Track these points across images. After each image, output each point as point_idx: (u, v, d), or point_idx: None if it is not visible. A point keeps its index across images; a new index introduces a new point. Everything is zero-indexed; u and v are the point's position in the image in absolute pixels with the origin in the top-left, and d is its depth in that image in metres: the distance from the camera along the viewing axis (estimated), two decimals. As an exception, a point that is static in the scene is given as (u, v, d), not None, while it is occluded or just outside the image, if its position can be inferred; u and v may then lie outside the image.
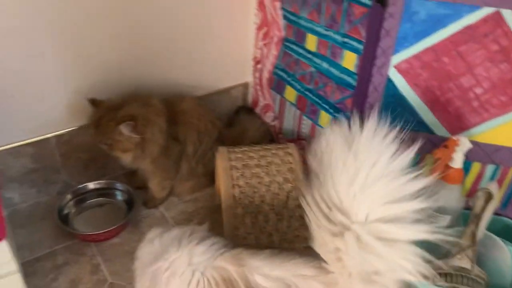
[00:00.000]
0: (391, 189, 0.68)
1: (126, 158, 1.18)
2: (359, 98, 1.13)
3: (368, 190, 0.69)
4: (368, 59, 1.08)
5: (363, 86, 1.11)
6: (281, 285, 0.73)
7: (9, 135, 1.18)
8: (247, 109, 1.62)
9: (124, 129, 1.10)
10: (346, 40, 1.12)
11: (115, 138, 1.11)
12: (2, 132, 1.16)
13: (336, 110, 1.23)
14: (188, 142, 1.28)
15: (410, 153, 0.71)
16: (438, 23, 0.98)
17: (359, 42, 1.09)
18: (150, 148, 1.17)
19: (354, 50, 1.11)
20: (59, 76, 1.20)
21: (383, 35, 1.03)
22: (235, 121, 1.55)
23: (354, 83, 1.14)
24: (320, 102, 1.28)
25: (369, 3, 1.03)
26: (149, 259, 0.79)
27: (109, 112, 1.12)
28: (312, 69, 1.27)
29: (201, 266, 0.76)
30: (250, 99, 1.63)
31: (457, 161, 0.97)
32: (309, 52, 1.26)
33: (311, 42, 1.24)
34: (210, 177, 1.33)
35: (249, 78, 1.59)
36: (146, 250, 0.82)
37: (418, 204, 0.68)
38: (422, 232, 0.67)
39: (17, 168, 1.24)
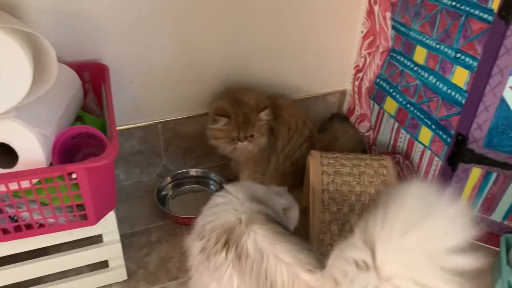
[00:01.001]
0: (429, 264, 0.61)
1: (263, 141, 1.26)
2: (467, 117, 1.08)
3: (410, 253, 0.62)
4: (482, 77, 1.02)
5: (472, 104, 1.06)
6: (258, 255, 0.75)
7: (124, 117, 1.30)
8: (341, 117, 1.61)
9: (264, 115, 1.23)
10: (459, 55, 1.08)
11: (258, 125, 1.23)
12: (120, 113, 1.27)
13: (439, 127, 1.18)
14: (278, 136, 1.31)
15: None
16: None
17: (474, 58, 1.04)
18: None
19: (466, 66, 1.06)
20: (174, 71, 1.30)
21: (502, 53, 0.97)
22: (328, 128, 1.55)
23: (462, 100, 1.09)
24: (422, 117, 1.24)
25: (490, 19, 0.97)
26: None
27: (241, 105, 1.22)
28: (418, 82, 1.23)
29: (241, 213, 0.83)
30: (345, 107, 1.62)
31: None
32: (416, 64, 1.23)
33: (420, 55, 1.21)
34: (298, 178, 1.35)
35: (347, 85, 1.58)
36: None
37: None
38: None
39: (126, 148, 1.36)
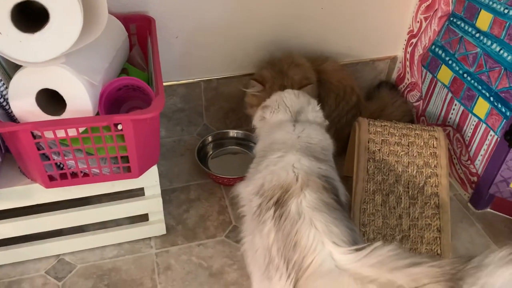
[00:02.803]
0: None
1: None
2: (533, 89, 1.00)
3: None
4: (555, 46, 0.94)
5: (541, 76, 0.98)
6: (297, 216, 0.74)
7: (167, 73, 1.28)
8: (389, 85, 1.53)
9: (306, 92, 1.14)
10: (530, 21, 0.99)
11: None
12: (163, 69, 1.24)
13: (498, 99, 1.10)
14: (324, 103, 1.27)
15: None
16: None
17: (548, 25, 0.95)
18: None
19: (538, 34, 0.97)
20: (221, 28, 1.27)
21: None
22: (375, 95, 1.49)
23: (529, 71, 1.01)
24: (480, 88, 1.16)
25: None
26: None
27: (283, 78, 1.17)
28: (478, 50, 1.15)
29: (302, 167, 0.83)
30: (395, 74, 1.54)
31: None
32: (479, 31, 1.14)
33: (484, 20, 1.12)
34: (341, 145, 1.30)
35: (398, 52, 1.50)
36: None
37: None
38: None
39: (168, 105, 1.35)
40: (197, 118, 1.41)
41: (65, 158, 0.87)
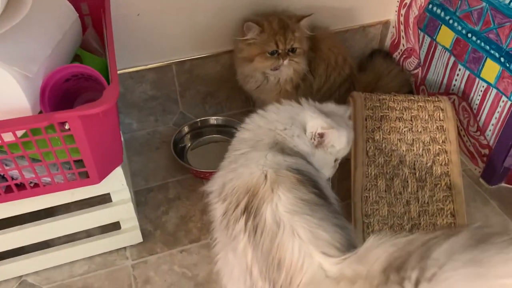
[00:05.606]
0: None
1: (302, 64, 1.09)
2: (554, 44, 0.86)
3: None
4: None
5: (563, 28, 0.84)
6: (275, 227, 0.62)
7: (133, 57, 1.13)
8: (383, 53, 1.39)
9: (305, 23, 1.07)
10: (547, -36, 0.84)
11: (299, 37, 1.06)
12: (127, 53, 1.10)
13: (510, 59, 0.96)
14: (315, 74, 1.13)
15: None
16: None
17: None
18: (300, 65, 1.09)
19: (558, -22, 0.83)
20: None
21: None
22: (368, 66, 1.35)
23: (548, 24, 0.86)
24: (487, 48, 1.02)
25: None
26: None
27: (280, 16, 1.07)
28: (484, 4, 1.00)
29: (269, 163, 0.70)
30: (388, 41, 1.39)
31: None
32: (484, -18, 1.00)
33: (490, -31, 0.97)
34: (335, 125, 1.17)
35: (391, 15, 1.35)
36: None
37: None
38: None
39: (138, 93, 1.20)
40: (172, 106, 1.26)
41: (6, 167, 0.72)
